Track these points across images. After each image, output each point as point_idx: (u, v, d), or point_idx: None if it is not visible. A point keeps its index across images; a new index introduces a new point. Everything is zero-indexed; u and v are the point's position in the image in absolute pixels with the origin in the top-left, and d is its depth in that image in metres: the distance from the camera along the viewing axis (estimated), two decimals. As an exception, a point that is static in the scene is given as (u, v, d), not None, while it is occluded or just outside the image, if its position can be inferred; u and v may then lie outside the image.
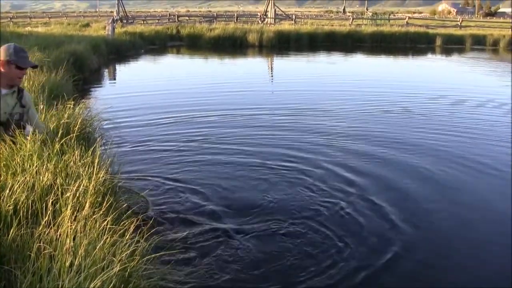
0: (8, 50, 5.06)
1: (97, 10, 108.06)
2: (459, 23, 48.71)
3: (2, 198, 3.98)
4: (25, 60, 5.22)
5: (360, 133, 10.34)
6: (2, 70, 5.08)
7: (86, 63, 17.95)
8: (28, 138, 4.91)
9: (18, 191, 4.10)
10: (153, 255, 3.74)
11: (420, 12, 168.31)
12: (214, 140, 9.64)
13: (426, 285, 4.75)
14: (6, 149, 4.88)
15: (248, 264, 4.93)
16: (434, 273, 4.90)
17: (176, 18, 47.14)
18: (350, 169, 7.96)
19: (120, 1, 44.38)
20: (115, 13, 45.14)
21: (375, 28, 41.23)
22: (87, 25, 41.90)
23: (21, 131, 5.07)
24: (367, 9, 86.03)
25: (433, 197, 6.87)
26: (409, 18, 51.91)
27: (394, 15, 72.65)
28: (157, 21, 48.13)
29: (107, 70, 21.37)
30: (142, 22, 46.10)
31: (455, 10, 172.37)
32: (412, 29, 40.71)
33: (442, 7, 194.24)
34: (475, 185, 7.47)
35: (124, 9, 46.32)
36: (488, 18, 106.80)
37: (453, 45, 37.25)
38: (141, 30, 34.24)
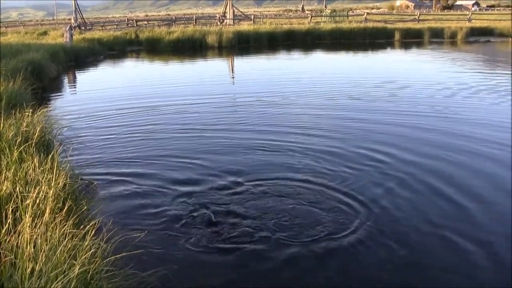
0: None
1: (55, 18, 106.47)
2: (417, 17, 49.52)
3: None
4: None
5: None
6: None
7: (45, 71, 17.70)
8: None
9: (-24, 201, 4.08)
10: (114, 257, 3.74)
11: (379, 8, 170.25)
12: (173, 135, 10.01)
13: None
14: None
15: (213, 262, 4.93)
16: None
17: (135, 23, 46.78)
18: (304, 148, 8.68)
19: (78, 8, 43.90)
20: (72, 20, 44.63)
21: (334, 25, 41.55)
22: (45, 33, 41.22)
23: None
24: (325, 7, 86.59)
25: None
26: (368, 14, 52.47)
27: (353, 12, 73.33)
28: (115, 26, 47.59)
29: (66, 77, 21.09)
30: (101, 28, 45.59)
31: (413, 4, 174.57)
32: (370, 24, 41.13)
33: (400, 2, 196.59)
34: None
35: (82, 16, 45.81)
36: (445, 11, 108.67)
37: (412, 39, 37.93)
38: (99, 36, 33.92)
